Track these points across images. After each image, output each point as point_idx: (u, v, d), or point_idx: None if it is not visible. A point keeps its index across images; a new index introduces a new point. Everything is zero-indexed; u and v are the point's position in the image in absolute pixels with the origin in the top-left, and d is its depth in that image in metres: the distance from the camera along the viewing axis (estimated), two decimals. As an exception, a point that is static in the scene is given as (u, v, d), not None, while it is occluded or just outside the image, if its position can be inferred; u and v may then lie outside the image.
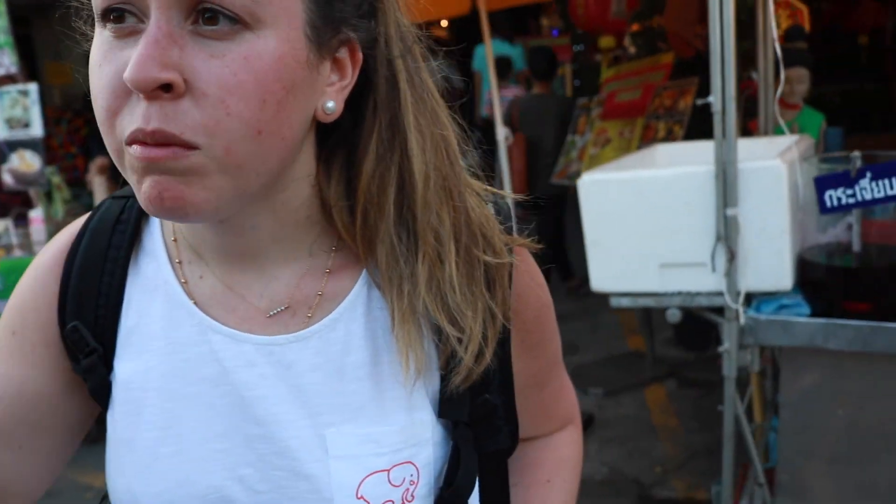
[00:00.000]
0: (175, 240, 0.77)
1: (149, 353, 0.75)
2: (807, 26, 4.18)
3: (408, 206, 0.71)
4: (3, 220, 4.25)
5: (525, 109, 5.13)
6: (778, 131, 3.59)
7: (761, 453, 2.65)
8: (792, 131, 3.42)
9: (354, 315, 0.74)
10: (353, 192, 0.72)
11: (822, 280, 2.11)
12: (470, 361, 0.72)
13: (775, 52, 2.53)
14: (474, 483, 0.79)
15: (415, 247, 0.71)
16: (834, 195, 2.01)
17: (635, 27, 4.82)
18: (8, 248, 4.24)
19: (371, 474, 0.72)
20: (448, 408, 0.75)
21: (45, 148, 4.26)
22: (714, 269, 2.14)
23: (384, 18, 0.70)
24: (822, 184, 2.02)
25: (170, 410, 0.74)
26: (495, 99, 3.62)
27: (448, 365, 0.74)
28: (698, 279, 2.19)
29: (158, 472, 0.73)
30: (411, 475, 0.74)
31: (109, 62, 0.61)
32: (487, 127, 7.68)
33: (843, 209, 2.01)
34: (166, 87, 0.58)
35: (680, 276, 2.22)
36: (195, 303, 0.74)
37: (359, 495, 0.72)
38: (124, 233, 0.77)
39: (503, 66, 7.54)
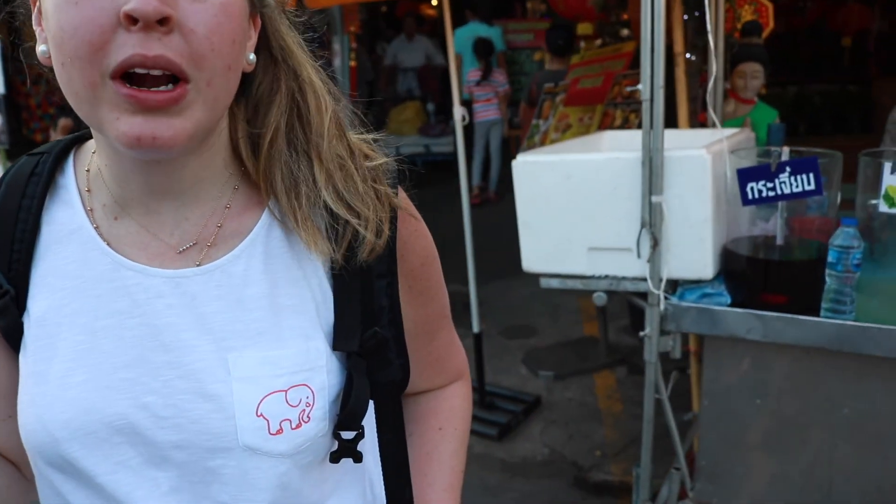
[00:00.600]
0: (88, 190, 0.82)
1: (63, 291, 0.80)
2: (770, 23, 4.18)
3: (304, 134, 0.81)
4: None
5: (542, 83, 5.12)
6: (732, 124, 3.62)
7: (690, 440, 2.70)
8: (744, 125, 3.46)
9: (254, 252, 0.81)
10: (256, 127, 0.82)
11: (744, 271, 2.13)
12: (372, 237, 0.81)
13: (726, 46, 2.54)
14: (366, 408, 0.84)
15: (310, 163, 0.81)
16: (755, 187, 2.03)
17: (602, 16, 4.82)
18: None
19: (270, 394, 0.78)
20: (340, 340, 0.82)
21: (25, 108, 4.24)
22: (639, 255, 2.16)
23: None
24: (744, 176, 2.04)
25: (82, 343, 0.78)
26: (453, 79, 3.61)
27: (350, 249, 0.81)
28: (625, 264, 2.21)
29: (68, 399, 0.77)
30: (307, 397, 0.80)
31: (90, 1, 0.65)
32: (468, 108, 7.68)
33: (763, 201, 2.03)
34: (163, 22, 0.65)
35: (607, 260, 2.25)
36: (108, 244, 0.80)
37: (259, 413, 0.77)
38: (37, 185, 0.82)
39: (485, 47, 7.51)
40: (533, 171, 2.31)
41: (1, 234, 0.81)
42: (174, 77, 0.68)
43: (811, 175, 1.96)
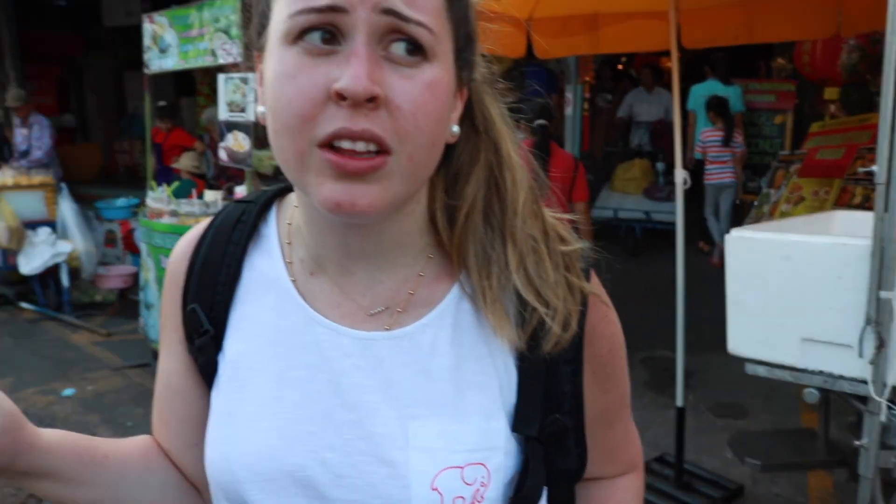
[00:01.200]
0: (290, 243, 0.87)
1: (258, 337, 0.84)
2: None
3: (501, 210, 0.81)
4: (216, 192, 4.70)
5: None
6: None
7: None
8: None
9: (443, 323, 0.82)
10: (454, 199, 0.82)
11: None
12: (558, 329, 0.79)
13: None
14: (541, 495, 0.83)
15: (503, 243, 0.81)
16: None
17: (852, 80, 4.45)
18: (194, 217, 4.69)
19: (446, 468, 0.78)
20: (521, 423, 0.81)
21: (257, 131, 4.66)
22: (861, 355, 1.95)
23: (477, 62, 0.82)
24: None
25: (272, 390, 0.82)
26: (677, 143, 3.48)
27: (534, 337, 0.80)
28: (843, 361, 2.01)
29: (253, 444, 0.81)
30: (483, 476, 0.79)
31: (307, 75, 0.70)
32: (697, 168, 7.41)
33: None
34: (371, 100, 0.68)
35: (823, 354, 2.05)
36: (303, 298, 0.84)
37: (434, 486, 0.77)
38: (242, 232, 0.89)
39: (720, 106, 7.23)
40: (749, 247, 2.17)
41: (206, 277, 0.88)
42: (378, 148, 0.70)
43: None
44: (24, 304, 7.29)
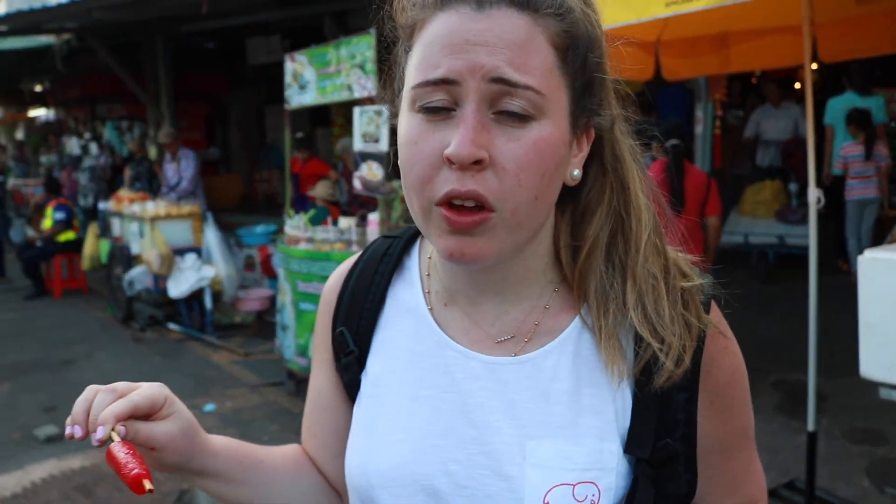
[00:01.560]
0: (428, 275, 0.98)
1: (396, 360, 0.95)
2: None
3: (623, 248, 0.87)
4: (349, 219, 4.91)
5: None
6: None
7: None
8: None
9: (564, 351, 0.89)
10: (578, 236, 0.89)
11: None
12: (671, 365, 0.84)
13: None
14: None
15: (623, 281, 0.86)
16: None
17: None
18: (347, 243, 4.89)
19: (559, 485, 0.84)
20: (633, 445, 0.86)
21: (391, 163, 4.85)
22: None
23: (609, 101, 0.87)
24: None
25: (405, 407, 0.93)
26: (810, 159, 3.38)
27: (647, 371, 0.85)
28: None
29: (387, 454, 0.91)
30: (593, 495, 0.84)
31: (425, 141, 0.80)
32: (837, 185, 7.08)
33: None
34: (477, 162, 0.77)
35: (964, 378, 1.96)
36: (438, 325, 0.94)
37: (545, 501, 0.84)
38: (388, 264, 1.00)
39: (862, 119, 6.92)
40: (884, 269, 2.10)
41: (354, 304, 0.99)
42: (482, 205, 0.79)
43: None
44: (172, 325, 7.80)
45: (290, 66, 5.70)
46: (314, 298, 4.77)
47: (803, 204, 7.61)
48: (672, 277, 0.87)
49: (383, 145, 4.59)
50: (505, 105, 0.77)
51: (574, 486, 0.83)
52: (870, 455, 4.15)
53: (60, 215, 9.70)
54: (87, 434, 0.83)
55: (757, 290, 7.14)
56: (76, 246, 9.72)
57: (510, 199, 0.78)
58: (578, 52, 0.82)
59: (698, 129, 8.63)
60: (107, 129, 14.75)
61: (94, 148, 13.66)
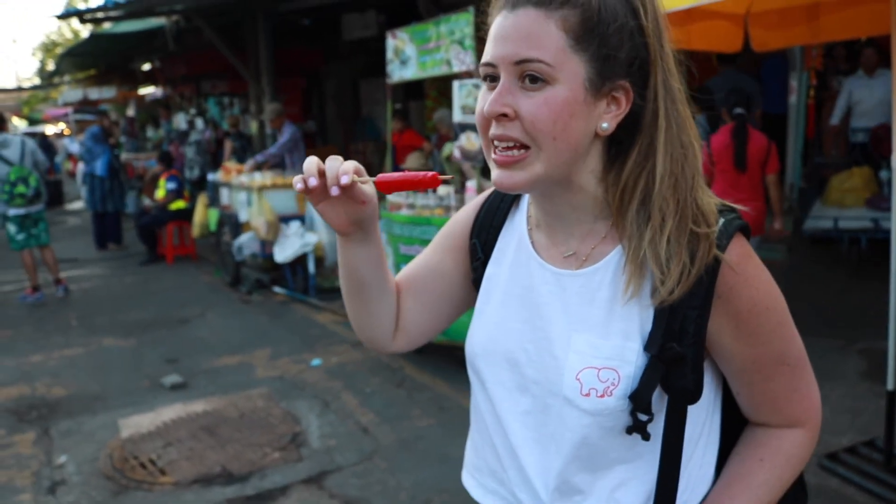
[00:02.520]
0: (531, 206, 1.28)
1: (502, 265, 1.28)
2: None
3: (648, 194, 1.10)
4: (448, 186, 5.21)
5: None
6: None
7: None
8: None
9: (608, 268, 1.15)
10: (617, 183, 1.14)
11: None
12: (665, 294, 1.08)
13: None
14: (650, 398, 1.08)
15: (647, 218, 1.10)
16: None
17: None
18: (447, 209, 5.20)
19: (587, 368, 1.12)
20: (649, 344, 1.10)
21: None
22: None
23: (654, 74, 1.08)
24: None
25: (501, 300, 1.25)
26: None
27: (655, 293, 1.10)
28: None
29: (485, 331, 1.25)
30: (614, 379, 1.10)
31: (483, 101, 1.10)
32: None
33: None
34: (502, 115, 1.08)
35: None
36: (531, 241, 1.25)
37: (577, 378, 1.12)
38: (509, 198, 1.33)
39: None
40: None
41: (485, 223, 1.33)
42: (520, 145, 1.07)
43: None
44: (277, 289, 8.31)
45: (391, 42, 6.02)
46: (413, 261, 5.10)
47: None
48: (684, 219, 1.08)
49: (481, 116, 4.86)
50: (524, 73, 1.04)
51: (599, 369, 1.10)
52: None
53: (172, 185, 10.36)
54: (321, 185, 1.10)
55: (850, 267, 7.09)
56: (186, 214, 10.38)
57: (535, 139, 1.05)
58: (594, 34, 1.04)
59: (792, 98, 8.57)
60: (210, 104, 15.48)
61: (199, 123, 14.38)
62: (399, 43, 5.89)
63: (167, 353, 6.41)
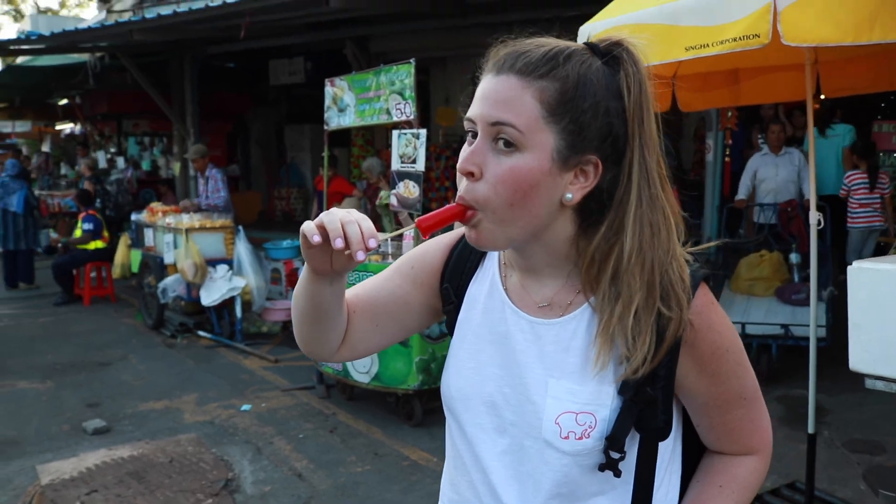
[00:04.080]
0: (504, 253, 1.33)
1: (475, 311, 1.32)
2: None
3: (619, 269, 1.16)
4: (382, 234, 5.28)
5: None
6: None
7: None
8: None
9: (582, 321, 1.21)
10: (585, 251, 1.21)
11: None
12: (630, 371, 1.15)
13: None
14: (625, 438, 1.17)
15: (617, 293, 1.17)
16: None
17: None
18: (384, 256, 5.27)
19: (565, 412, 1.18)
20: (623, 389, 1.18)
21: (425, 179, 5.23)
22: (971, 370, 2.22)
23: (630, 152, 1.12)
24: None
25: (476, 345, 1.28)
26: (812, 181, 3.77)
27: (620, 363, 1.17)
28: (955, 376, 2.27)
29: (462, 375, 1.28)
30: (591, 422, 1.16)
31: (463, 153, 1.13)
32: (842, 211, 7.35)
33: None
34: (469, 174, 1.14)
35: (936, 370, 2.32)
36: (504, 289, 1.30)
37: (556, 422, 1.18)
38: None
39: (866, 149, 7.29)
40: (871, 277, 2.48)
41: (457, 267, 1.36)
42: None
43: None
44: (202, 333, 8.16)
45: (329, 89, 6.10)
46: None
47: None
48: (652, 298, 1.12)
49: (420, 166, 4.99)
50: (498, 135, 1.10)
51: (577, 413, 1.16)
52: (867, 462, 4.50)
53: (88, 226, 10.10)
54: (342, 248, 1.06)
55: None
56: (106, 255, 10.12)
57: (490, 202, 1.10)
58: (567, 108, 1.09)
59: (709, 156, 9.02)
60: (130, 143, 15.21)
61: (120, 161, 14.10)
62: (338, 91, 5.99)
63: (88, 397, 6.20)
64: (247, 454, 4.98)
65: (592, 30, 3.59)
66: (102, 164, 14.36)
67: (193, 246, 7.83)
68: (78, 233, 10.24)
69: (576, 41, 1.17)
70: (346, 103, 5.86)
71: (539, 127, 1.09)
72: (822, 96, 4.89)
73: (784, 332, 5.81)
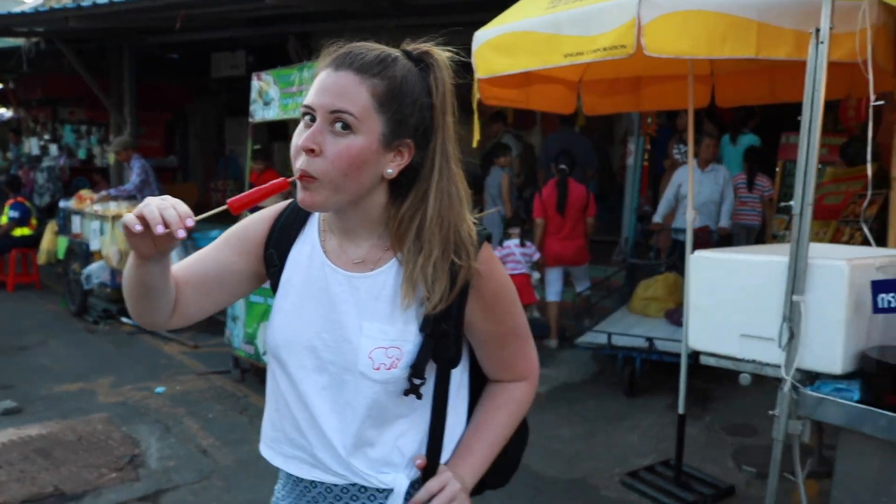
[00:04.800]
0: (324, 220, 1.53)
1: (297, 271, 1.51)
2: None
3: (421, 229, 1.41)
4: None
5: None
6: None
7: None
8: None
9: (390, 274, 1.44)
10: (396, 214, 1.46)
11: (874, 373, 2.37)
12: (430, 308, 1.40)
13: None
14: (425, 367, 1.41)
15: (420, 247, 1.41)
16: (885, 298, 2.29)
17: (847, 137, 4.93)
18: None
19: (377, 348, 1.40)
20: (424, 326, 1.43)
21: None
22: (779, 345, 2.50)
23: (435, 138, 1.38)
24: (876, 287, 2.31)
25: (298, 299, 1.47)
26: (690, 177, 4.05)
27: (422, 303, 1.42)
28: (767, 351, 2.55)
29: (287, 324, 1.47)
30: (398, 355, 1.40)
31: (299, 135, 1.33)
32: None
33: (890, 311, 2.29)
34: (310, 150, 1.34)
35: (754, 346, 2.60)
36: (324, 251, 1.50)
37: (369, 356, 1.40)
38: (300, 218, 1.56)
39: (749, 154, 7.75)
40: (707, 265, 2.75)
41: (282, 234, 1.55)
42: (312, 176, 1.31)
43: (937, 292, 2.19)
44: (124, 319, 8.19)
45: (256, 83, 6.25)
46: (265, 292, 5.27)
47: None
48: (447, 251, 1.37)
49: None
50: (336, 120, 1.31)
51: (387, 348, 1.39)
52: (739, 443, 4.82)
53: (14, 213, 10.01)
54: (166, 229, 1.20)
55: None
56: (32, 242, 10.04)
57: (328, 173, 1.31)
58: (393, 102, 1.33)
59: (629, 160, 9.37)
60: (66, 131, 15.04)
61: (53, 149, 13.94)
62: (264, 84, 6.14)
63: (2, 380, 6.22)
64: (155, 433, 5.10)
65: (485, 35, 3.83)
66: (35, 150, 14.18)
67: (119, 233, 7.87)
68: (4, 219, 10.14)
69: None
70: (271, 97, 6.02)
71: (370, 115, 1.32)
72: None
73: (649, 345, 5.66)
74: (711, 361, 2.74)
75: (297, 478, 1.53)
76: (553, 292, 7.19)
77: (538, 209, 7.13)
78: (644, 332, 5.80)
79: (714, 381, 5.73)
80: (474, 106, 4.35)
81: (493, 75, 3.83)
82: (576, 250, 7.16)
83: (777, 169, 8.10)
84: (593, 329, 6.19)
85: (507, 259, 7.09)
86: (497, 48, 3.76)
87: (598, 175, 9.80)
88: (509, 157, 8.58)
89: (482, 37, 3.87)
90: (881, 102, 2.85)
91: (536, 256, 7.12)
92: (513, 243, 7.08)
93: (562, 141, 8.61)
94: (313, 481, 1.51)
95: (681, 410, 4.05)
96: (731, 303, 2.64)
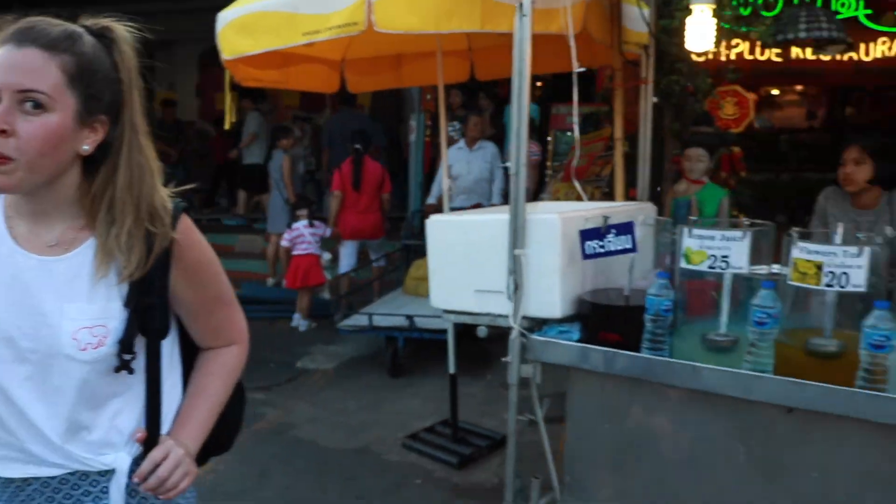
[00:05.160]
0: (9, 206, 1.47)
1: None
2: (751, 113, 4.63)
3: (113, 200, 1.40)
4: None
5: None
6: (681, 200, 4.08)
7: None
8: (691, 203, 3.93)
9: (87, 252, 1.41)
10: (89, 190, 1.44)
11: (588, 314, 2.62)
12: (126, 276, 1.40)
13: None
14: (133, 341, 1.42)
15: (112, 218, 1.41)
16: (591, 245, 2.54)
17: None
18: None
19: (81, 328, 1.38)
20: (128, 301, 1.42)
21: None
22: (508, 297, 2.69)
23: (124, 113, 1.39)
24: (584, 235, 2.56)
25: None
26: (444, 153, 4.24)
27: (120, 272, 1.42)
28: (499, 304, 2.75)
29: None
30: (104, 333, 1.39)
31: None
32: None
33: (596, 256, 2.54)
34: (3, 132, 1.28)
35: (489, 300, 2.79)
36: (13, 238, 1.44)
37: (74, 337, 1.38)
38: None
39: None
40: (442, 228, 2.91)
41: None
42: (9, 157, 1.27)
43: (629, 236, 2.46)
44: None
45: None
46: None
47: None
48: (140, 219, 1.39)
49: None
50: (26, 99, 1.28)
51: (91, 328, 1.38)
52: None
53: None
54: None
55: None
56: None
57: (24, 153, 1.28)
58: (84, 78, 1.32)
59: (412, 136, 9.55)
60: None
61: None
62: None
63: None
64: None
65: (227, 16, 3.81)
66: None
67: None
68: None
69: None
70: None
71: (63, 92, 1.30)
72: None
73: (409, 323, 5.64)
74: (452, 318, 2.91)
75: (6, 479, 1.48)
76: (346, 265, 7.32)
77: (337, 182, 7.26)
78: (413, 311, 5.66)
79: (492, 341, 6.02)
80: (226, 87, 4.31)
81: (237, 56, 3.81)
82: (373, 224, 7.42)
83: (549, 137, 8.61)
84: (359, 311, 6.07)
85: (296, 241, 7.10)
86: (239, 29, 3.75)
87: (384, 152, 9.95)
88: (291, 139, 8.55)
89: (224, 18, 3.84)
90: (583, 70, 3.09)
91: (328, 233, 7.24)
92: (301, 224, 7.12)
93: (343, 121, 8.70)
94: (26, 479, 1.47)
95: (451, 370, 4.24)
96: (465, 261, 2.82)
